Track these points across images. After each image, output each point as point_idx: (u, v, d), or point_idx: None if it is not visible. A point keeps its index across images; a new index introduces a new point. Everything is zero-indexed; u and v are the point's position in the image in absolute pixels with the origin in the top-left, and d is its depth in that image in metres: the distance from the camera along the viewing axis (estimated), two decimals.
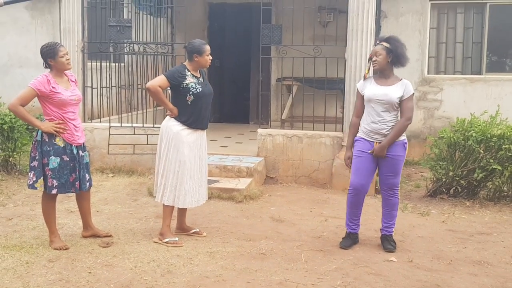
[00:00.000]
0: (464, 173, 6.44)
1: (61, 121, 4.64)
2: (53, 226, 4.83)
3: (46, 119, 4.68)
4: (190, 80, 4.96)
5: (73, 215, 5.71)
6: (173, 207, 5.05)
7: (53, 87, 4.61)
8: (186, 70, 5.01)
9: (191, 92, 4.94)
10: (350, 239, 5.04)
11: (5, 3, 2.31)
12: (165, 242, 4.94)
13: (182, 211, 5.26)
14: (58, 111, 4.66)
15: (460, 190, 6.58)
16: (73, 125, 4.73)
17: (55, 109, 4.65)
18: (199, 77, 5.08)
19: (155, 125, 7.89)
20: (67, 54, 4.74)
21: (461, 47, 9.27)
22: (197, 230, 5.27)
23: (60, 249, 4.67)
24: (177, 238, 5.02)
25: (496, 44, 9.17)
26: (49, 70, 4.74)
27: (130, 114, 8.35)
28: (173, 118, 4.98)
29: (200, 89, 4.98)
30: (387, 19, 9.22)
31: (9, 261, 4.44)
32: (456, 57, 9.31)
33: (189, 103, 4.95)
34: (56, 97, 4.62)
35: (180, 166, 4.93)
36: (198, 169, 5.06)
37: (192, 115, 4.97)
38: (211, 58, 5.11)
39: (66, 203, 6.06)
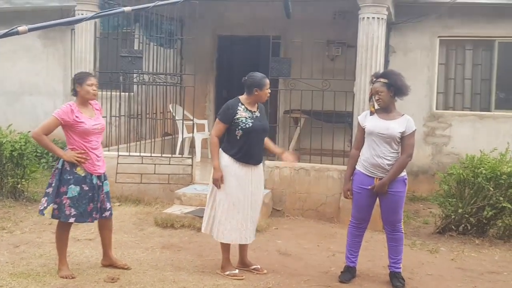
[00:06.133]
0: (474, 210, 6.39)
1: (83, 151, 4.66)
2: (64, 254, 4.82)
3: (69, 148, 4.70)
4: (241, 115, 4.86)
5: (79, 243, 5.68)
6: None
7: (76, 116, 4.65)
8: (239, 104, 4.92)
9: (240, 127, 4.84)
10: (349, 273, 5.00)
11: (30, 30, 2.33)
12: (226, 275, 4.92)
13: (242, 246, 5.15)
14: (81, 141, 4.68)
15: (469, 227, 6.51)
16: (95, 154, 4.75)
17: (78, 138, 4.67)
18: (255, 111, 4.98)
19: (163, 155, 7.92)
20: (94, 85, 4.78)
21: (469, 84, 9.29)
22: (258, 267, 5.14)
23: (66, 278, 4.65)
24: (237, 271, 4.99)
25: (505, 81, 9.17)
26: (75, 99, 4.79)
27: (138, 143, 8.39)
28: (223, 151, 4.92)
29: (250, 124, 4.86)
30: (395, 54, 9.28)
31: None
32: (464, 93, 9.33)
33: (238, 137, 4.86)
34: (79, 127, 4.65)
35: (227, 200, 4.86)
36: (249, 205, 4.93)
37: (241, 150, 4.87)
38: (269, 91, 5.03)
39: (73, 231, 5.97)
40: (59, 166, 4.69)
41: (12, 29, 2.25)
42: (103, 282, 4.63)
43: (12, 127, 7.99)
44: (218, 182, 4.84)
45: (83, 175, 4.68)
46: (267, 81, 5.00)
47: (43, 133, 4.62)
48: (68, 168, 4.66)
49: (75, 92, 4.78)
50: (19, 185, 7.62)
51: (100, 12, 2.74)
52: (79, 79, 4.76)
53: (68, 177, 4.65)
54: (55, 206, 4.65)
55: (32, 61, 11.14)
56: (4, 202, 7.35)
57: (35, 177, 8.01)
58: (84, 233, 6.00)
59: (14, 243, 5.72)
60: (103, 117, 7.91)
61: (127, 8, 2.60)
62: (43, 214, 4.70)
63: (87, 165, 4.68)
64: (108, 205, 4.91)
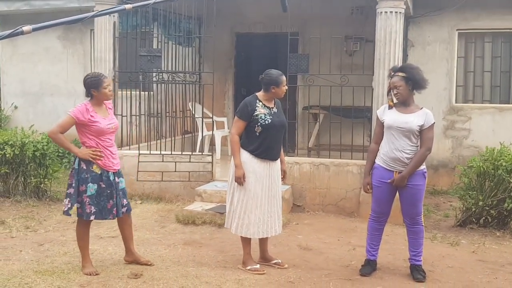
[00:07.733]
0: (494, 202, 6.36)
1: (97, 149, 4.73)
2: (86, 251, 4.90)
3: (84, 146, 4.79)
4: (260, 111, 4.92)
5: (102, 241, 5.77)
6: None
7: (91, 116, 4.71)
8: (257, 101, 4.98)
9: (259, 124, 4.90)
10: (370, 266, 5.02)
11: (34, 30, 2.38)
12: (248, 270, 4.98)
13: (262, 241, 5.21)
14: (95, 139, 4.75)
15: (490, 220, 6.48)
16: (110, 151, 4.82)
17: (93, 137, 4.75)
18: (272, 107, 5.04)
19: (183, 153, 7.99)
20: (109, 85, 4.86)
21: (489, 76, 9.22)
22: (279, 261, 5.19)
23: (90, 275, 4.73)
24: (258, 266, 5.04)
25: None
26: (89, 98, 4.83)
27: (158, 141, 8.48)
28: (241, 147, 4.96)
29: (270, 120, 4.93)
30: (414, 48, 9.25)
31: (41, 285, 4.50)
32: (484, 86, 9.25)
33: (257, 134, 4.92)
34: (94, 126, 4.72)
35: (246, 195, 4.93)
36: (267, 199, 5.00)
37: (260, 146, 4.93)
38: (286, 88, 5.09)
39: (96, 229, 6.12)
40: (76, 166, 4.76)
41: (17, 29, 2.28)
42: (127, 278, 4.70)
43: (34, 127, 8.14)
44: (240, 180, 4.89)
45: (99, 172, 4.75)
46: (284, 78, 5.04)
47: (58, 132, 4.68)
48: (84, 167, 4.72)
49: (90, 95, 4.82)
50: (42, 185, 7.76)
51: (102, 11, 2.78)
52: (93, 84, 4.76)
53: (86, 176, 4.72)
54: (78, 205, 4.74)
55: (53, 62, 11.30)
56: (28, 202, 7.49)
57: (58, 176, 8.14)
58: (107, 231, 6.09)
59: (39, 241, 5.83)
60: (123, 116, 8.13)
61: (128, 6, 2.64)
62: (69, 215, 4.78)
63: (103, 163, 4.75)
64: (125, 201, 4.98)
